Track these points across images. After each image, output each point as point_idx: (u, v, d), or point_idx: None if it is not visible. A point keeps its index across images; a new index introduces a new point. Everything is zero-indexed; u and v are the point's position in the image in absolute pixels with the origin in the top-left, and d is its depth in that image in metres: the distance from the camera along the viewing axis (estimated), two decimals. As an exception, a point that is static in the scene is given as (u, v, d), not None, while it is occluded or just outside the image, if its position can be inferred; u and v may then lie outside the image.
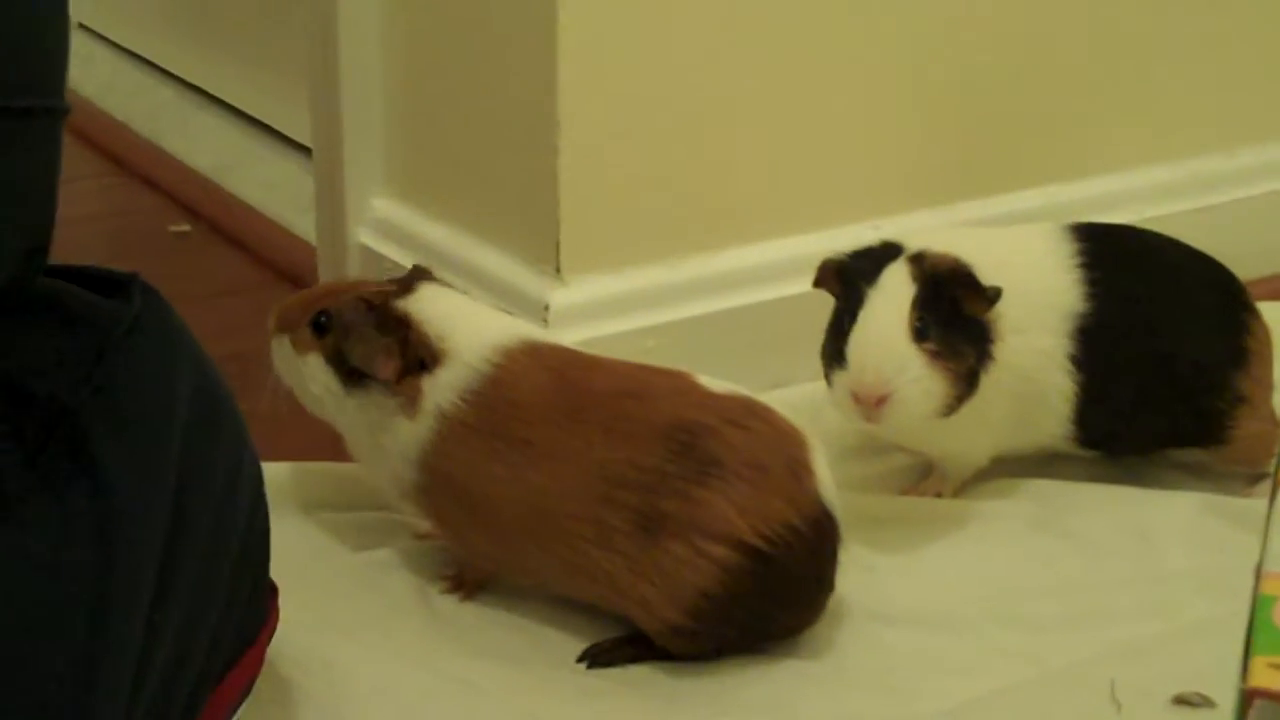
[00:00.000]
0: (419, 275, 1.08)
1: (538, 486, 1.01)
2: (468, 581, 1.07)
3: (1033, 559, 1.12)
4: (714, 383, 1.02)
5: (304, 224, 1.54)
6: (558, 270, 1.20)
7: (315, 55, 1.36)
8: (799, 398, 1.24)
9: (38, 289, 0.76)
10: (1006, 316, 1.08)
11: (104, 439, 0.72)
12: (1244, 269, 1.42)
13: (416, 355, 1.03)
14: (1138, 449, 1.20)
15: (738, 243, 1.28)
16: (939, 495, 1.17)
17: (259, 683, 0.88)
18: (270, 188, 1.71)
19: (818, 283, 1.10)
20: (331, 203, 1.39)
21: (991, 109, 1.38)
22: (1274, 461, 1.15)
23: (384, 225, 1.35)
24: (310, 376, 1.06)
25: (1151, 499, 1.19)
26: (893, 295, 1.05)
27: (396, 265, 1.31)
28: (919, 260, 1.06)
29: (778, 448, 0.99)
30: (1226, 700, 0.92)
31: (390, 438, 1.04)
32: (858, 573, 1.10)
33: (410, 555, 1.09)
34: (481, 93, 1.24)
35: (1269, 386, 1.19)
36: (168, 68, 2.08)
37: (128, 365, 0.76)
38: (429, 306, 1.05)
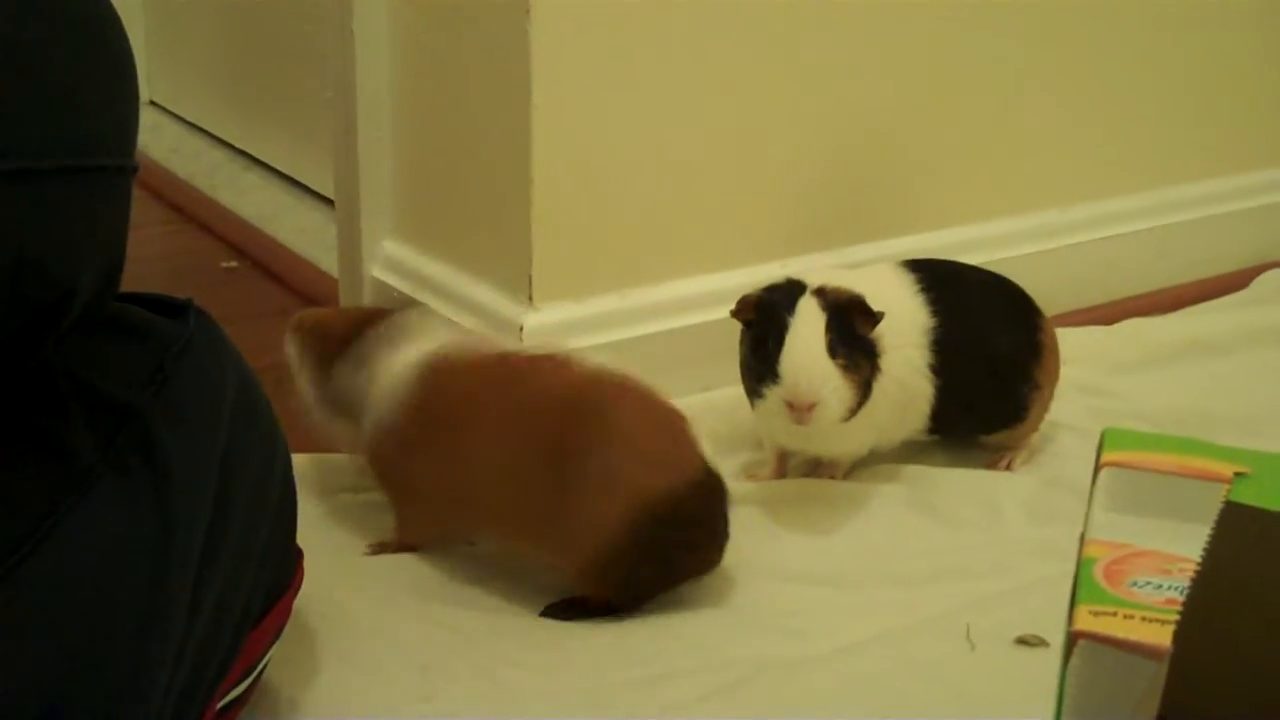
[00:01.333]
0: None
1: (458, 471, 1.01)
2: (389, 546, 1.08)
3: (906, 529, 1.13)
4: (596, 363, 1.01)
5: (329, 261, 1.53)
6: (530, 298, 1.20)
7: (339, 125, 1.36)
8: (721, 399, 1.24)
9: (111, 311, 0.76)
10: (884, 337, 1.09)
11: (164, 432, 0.72)
12: (1067, 302, 1.46)
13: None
14: (966, 434, 1.23)
15: (675, 277, 1.27)
16: (832, 477, 1.18)
17: (287, 629, 0.87)
18: (302, 232, 1.71)
19: (735, 313, 1.10)
20: (350, 244, 1.39)
21: (871, 171, 1.39)
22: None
23: (392, 262, 1.35)
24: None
25: (1000, 479, 1.19)
26: (810, 321, 1.05)
27: (401, 294, 1.31)
28: (823, 293, 1.07)
29: (656, 420, 0.98)
30: (1059, 641, 0.93)
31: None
32: (764, 539, 1.10)
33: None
34: (471, 157, 1.24)
35: (1055, 375, 1.23)
36: (222, 136, 2.08)
37: (183, 373, 0.75)
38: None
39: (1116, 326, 1.49)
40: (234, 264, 1.68)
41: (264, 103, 1.94)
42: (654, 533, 0.96)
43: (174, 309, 0.80)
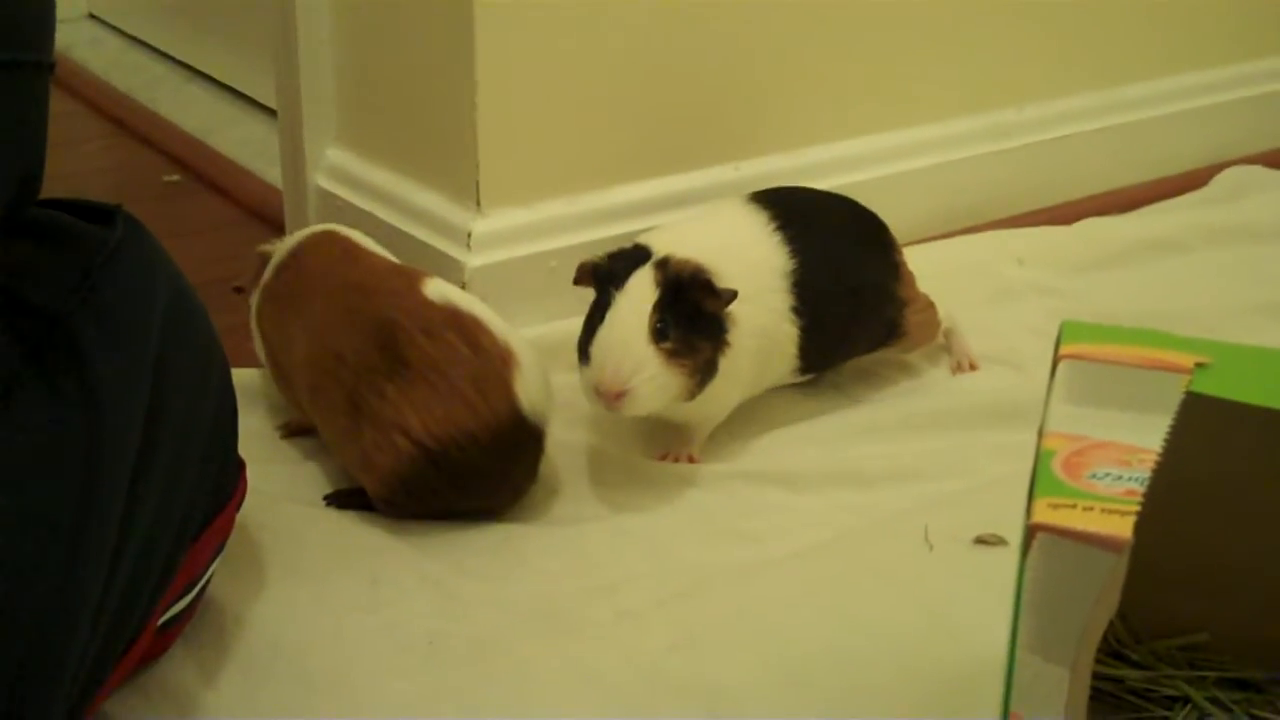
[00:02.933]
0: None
1: (300, 353, 1.00)
2: (291, 425, 1.08)
3: (861, 432, 1.11)
4: (444, 293, 0.97)
5: (274, 173, 1.50)
6: (478, 204, 1.17)
7: (278, 33, 1.32)
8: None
9: (34, 216, 0.73)
10: (742, 287, 1.00)
11: (92, 340, 0.69)
12: (1024, 202, 1.43)
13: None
14: (839, 364, 1.17)
15: (621, 182, 1.25)
16: (691, 460, 1.07)
17: (232, 543, 0.85)
18: (245, 144, 1.68)
19: (577, 281, 1.02)
20: (293, 154, 1.35)
21: (816, 69, 1.36)
22: (940, 336, 1.20)
23: (337, 171, 1.32)
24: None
25: (958, 381, 1.18)
26: (635, 299, 0.96)
27: (347, 204, 1.28)
28: (664, 266, 0.98)
29: (467, 360, 0.94)
30: (1018, 540, 0.92)
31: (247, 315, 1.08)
32: (721, 441, 1.08)
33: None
34: (414, 61, 1.20)
35: (914, 284, 1.18)
36: (162, 48, 2.03)
37: (112, 279, 0.72)
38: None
39: (1074, 227, 1.48)
40: (177, 178, 1.64)
41: (204, 14, 1.89)
42: (432, 475, 0.93)
43: (102, 215, 0.76)
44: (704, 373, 0.99)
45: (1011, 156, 1.49)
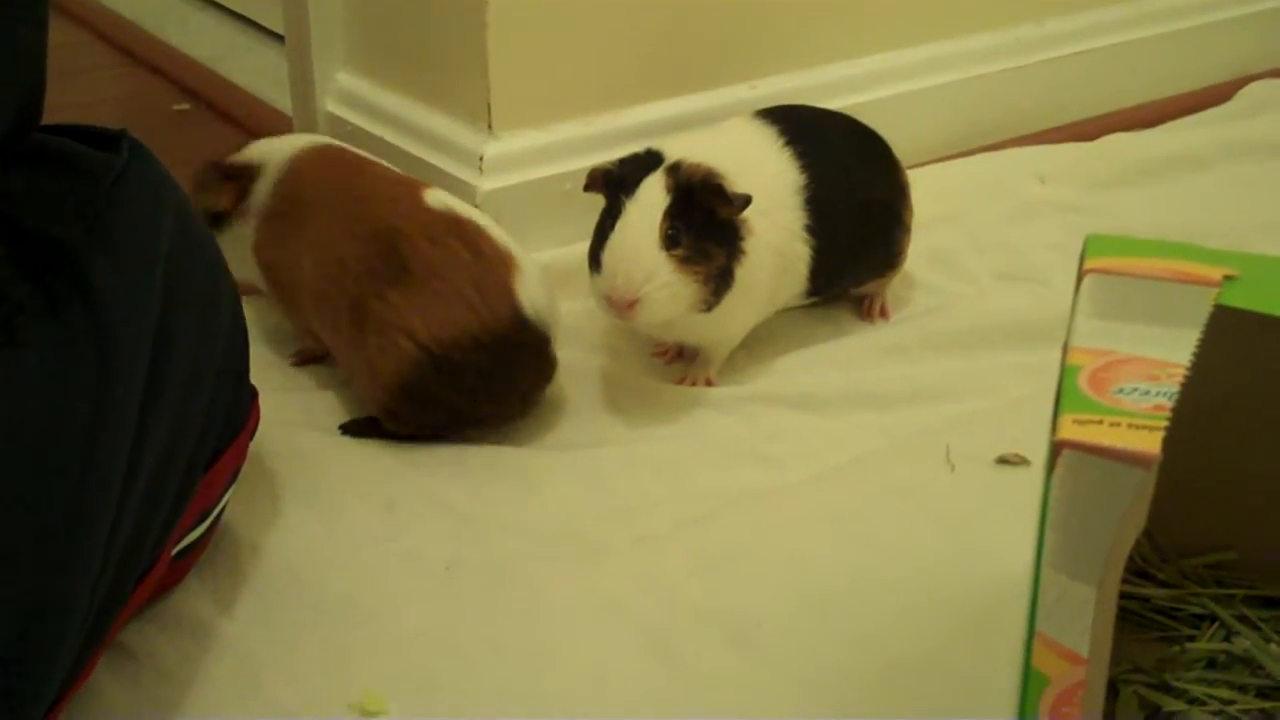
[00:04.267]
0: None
1: (306, 269, 0.98)
2: (304, 353, 1.06)
3: (882, 353, 1.10)
4: (444, 201, 0.97)
5: (283, 100, 1.47)
6: (490, 127, 1.15)
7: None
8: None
9: (37, 142, 0.71)
10: (755, 202, 0.97)
11: (97, 267, 0.68)
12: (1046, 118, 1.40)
13: (245, 184, 1.03)
14: (841, 289, 1.13)
15: (637, 102, 1.22)
16: (709, 383, 1.05)
17: (247, 472, 0.84)
18: (254, 71, 1.65)
19: (588, 187, 1.00)
20: (303, 80, 1.33)
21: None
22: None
23: (347, 96, 1.29)
24: None
25: (976, 302, 1.16)
26: (647, 206, 0.94)
27: (358, 129, 1.26)
28: (675, 171, 0.96)
29: (468, 265, 0.93)
30: (1041, 460, 0.91)
31: (241, 247, 1.03)
32: (740, 362, 1.07)
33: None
34: (422, -19, 1.18)
35: (913, 212, 1.14)
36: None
37: (117, 205, 0.71)
38: (254, 146, 1.06)
39: (1097, 143, 1.45)
40: (186, 106, 1.62)
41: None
42: (434, 379, 0.92)
43: (107, 140, 0.75)
44: (719, 281, 0.96)
45: (1032, 72, 1.45)
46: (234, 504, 0.84)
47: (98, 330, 0.66)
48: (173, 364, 0.71)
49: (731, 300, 0.99)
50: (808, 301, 1.10)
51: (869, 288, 1.14)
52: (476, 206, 1.11)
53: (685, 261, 0.94)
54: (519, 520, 0.88)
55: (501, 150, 1.14)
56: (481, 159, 1.13)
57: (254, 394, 0.84)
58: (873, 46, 1.36)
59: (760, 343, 1.09)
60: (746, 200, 0.96)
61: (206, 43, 1.76)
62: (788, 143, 1.06)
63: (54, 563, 0.61)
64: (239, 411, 0.81)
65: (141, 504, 0.69)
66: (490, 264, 0.94)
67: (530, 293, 0.94)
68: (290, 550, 0.84)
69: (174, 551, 0.76)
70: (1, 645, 0.59)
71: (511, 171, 1.14)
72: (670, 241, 0.94)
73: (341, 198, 0.99)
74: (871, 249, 1.11)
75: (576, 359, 1.05)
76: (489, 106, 1.14)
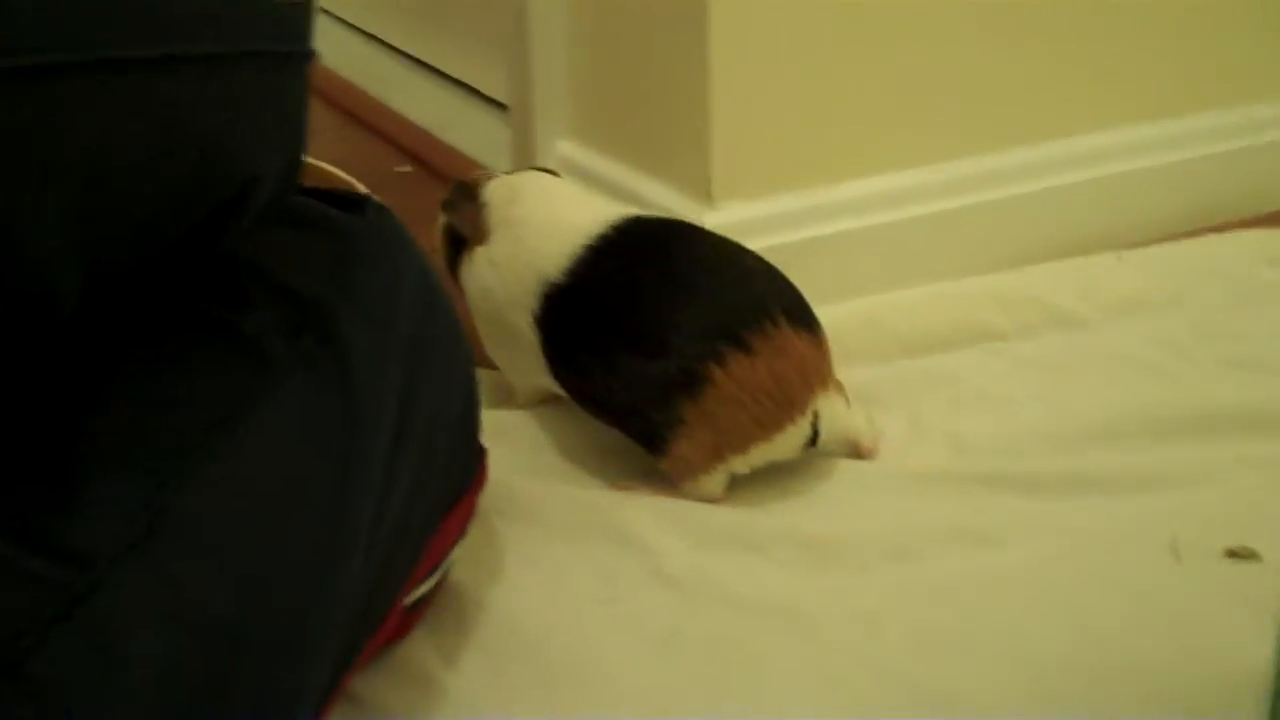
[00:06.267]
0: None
1: None
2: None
3: (1107, 439, 1.07)
4: None
5: (502, 164, 1.52)
6: (709, 197, 1.17)
7: (512, 30, 1.34)
8: (906, 299, 1.20)
9: (292, 204, 0.75)
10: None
11: (347, 325, 0.71)
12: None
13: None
14: None
15: (853, 177, 1.23)
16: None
17: (471, 528, 0.86)
18: (474, 136, 1.70)
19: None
20: (524, 146, 1.37)
21: (1060, 66, 1.32)
22: None
23: (567, 163, 1.33)
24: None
25: (1202, 395, 1.13)
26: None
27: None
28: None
29: None
30: (1271, 553, 0.88)
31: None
32: (943, 429, 1.06)
33: (588, 429, 1.06)
34: (647, 53, 1.21)
35: None
36: (393, 42, 2.07)
37: (364, 265, 0.74)
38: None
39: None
40: (407, 168, 1.68)
41: (433, 9, 1.93)
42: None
43: (352, 203, 0.78)
44: None
45: (1260, 153, 1.42)
46: (459, 559, 0.86)
47: (347, 385, 0.69)
48: (415, 420, 0.73)
49: None
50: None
51: None
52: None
53: None
54: (738, 590, 0.88)
55: (721, 221, 1.16)
56: (701, 228, 1.15)
57: (483, 451, 0.86)
58: (1094, 123, 1.35)
59: (978, 420, 1.07)
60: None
61: (428, 108, 1.82)
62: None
63: (304, 610, 0.63)
64: (470, 467, 0.83)
65: (382, 555, 0.71)
66: None
67: None
68: (513, 608, 0.85)
69: (406, 603, 0.78)
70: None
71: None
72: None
73: None
74: None
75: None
76: (709, 177, 1.16)
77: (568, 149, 1.33)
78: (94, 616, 0.58)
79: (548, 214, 1.01)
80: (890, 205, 1.21)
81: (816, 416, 0.95)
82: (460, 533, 0.83)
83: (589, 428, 1.03)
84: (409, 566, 0.75)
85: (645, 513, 0.95)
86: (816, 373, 0.95)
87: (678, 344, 0.91)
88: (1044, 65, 1.29)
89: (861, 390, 1.10)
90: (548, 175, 1.09)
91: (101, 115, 0.57)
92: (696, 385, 0.91)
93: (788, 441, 0.95)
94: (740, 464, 0.95)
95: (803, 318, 0.95)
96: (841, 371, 0.99)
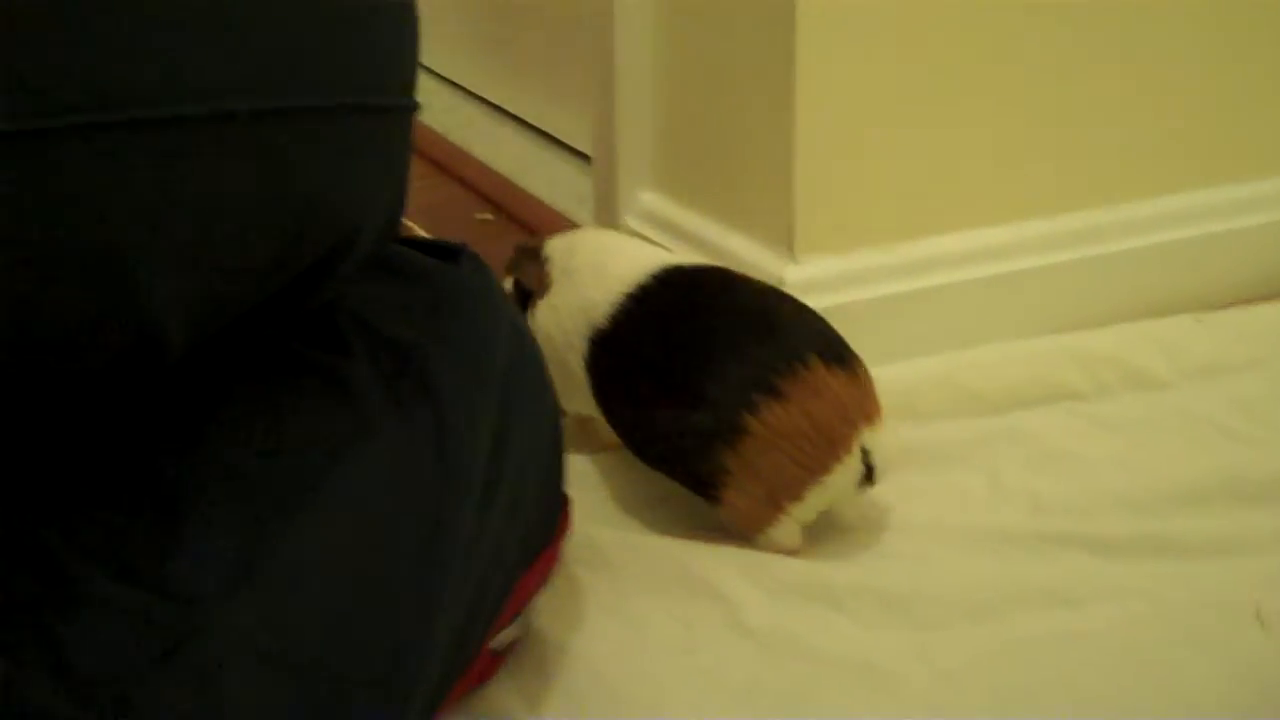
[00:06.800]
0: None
1: None
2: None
3: (1186, 504, 1.06)
4: None
5: (582, 213, 1.54)
6: (791, 250, 1.17)
7: (597, 82, 1.36)
8: (983, 356, 1.21)
9: (390, 253, 0.76)
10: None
11: (442, 374, 0.72)
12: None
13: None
14: None
15: (934, 234, 1.23)
16: None
17: (553, 576, 0.87)
18: (554, 185, 1.72)
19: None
20: (607, 197, 1.38)
21: (1152, 121, 1.32)
22: None
23: (649, 214, 1.34)
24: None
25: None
26: None
27: (659, 246, 1.30)
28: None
29: None
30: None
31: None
32: (1037, 501, 1.06)
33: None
34: (733, 107, 1.22)
35: None
36: (475, 90, 2.10)
37: (460, 315, 0.75)
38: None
39: None
40: (489, 216, 1.70)
41: (516, 58, 1.96)
42: None
43: (449, 253, 0.80)
44: None
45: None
46: (541, 607, 0.86)
47: (441, 432, 0.70)
48: (505, 469, 0.74)
49: None
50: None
51: None
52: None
53: None
54: (817, 644, 0.88)
55: (802, 275, 1.16)
56: (782, 282, 1.16)
57: (567, 501, 0.87)
58: (1174, 185, 1.34)
59: (1055, 479, 1.07)
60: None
61: (510, 156, 1.84)
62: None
63: (398, 656, 0.65)
64: (555, 516, 0.84)
65: (469, 602, 0.72)
66: None
67: None
68: (594, 654, 0.86)
69: (490, 649, 0.79)
70: None
71: (811, 296, 1.15)
72: None
73: None
74: None
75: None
76: (792, 231, 1.16)
77: (650, 200, 1.34)
78: (195, 655, 0.59)
79: (598, 263, 1.05)
80: (969, 262, 1.21)
81: (867, 454, 0.95)
82: (544, 580, 0.84)
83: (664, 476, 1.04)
84: (496, 611, 0.76)
85: (725, 565, 0.95)
86: (859, 409, 0.95)
87: (713, 395, 0.93)
88: (1125, 127, 1.29)
89: (939, 447, 1.10)
90: (605, 231, 1.14)
91: (213, 166, 0.59)
92: (734, 435, 0.93)
93: (840, 481, 0.95)
94: (800, 510, 0.95)
95: (838, 357, 0.95)
96: (919, 428, 0.99)
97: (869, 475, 0.96)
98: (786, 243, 1.17)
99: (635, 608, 0.91)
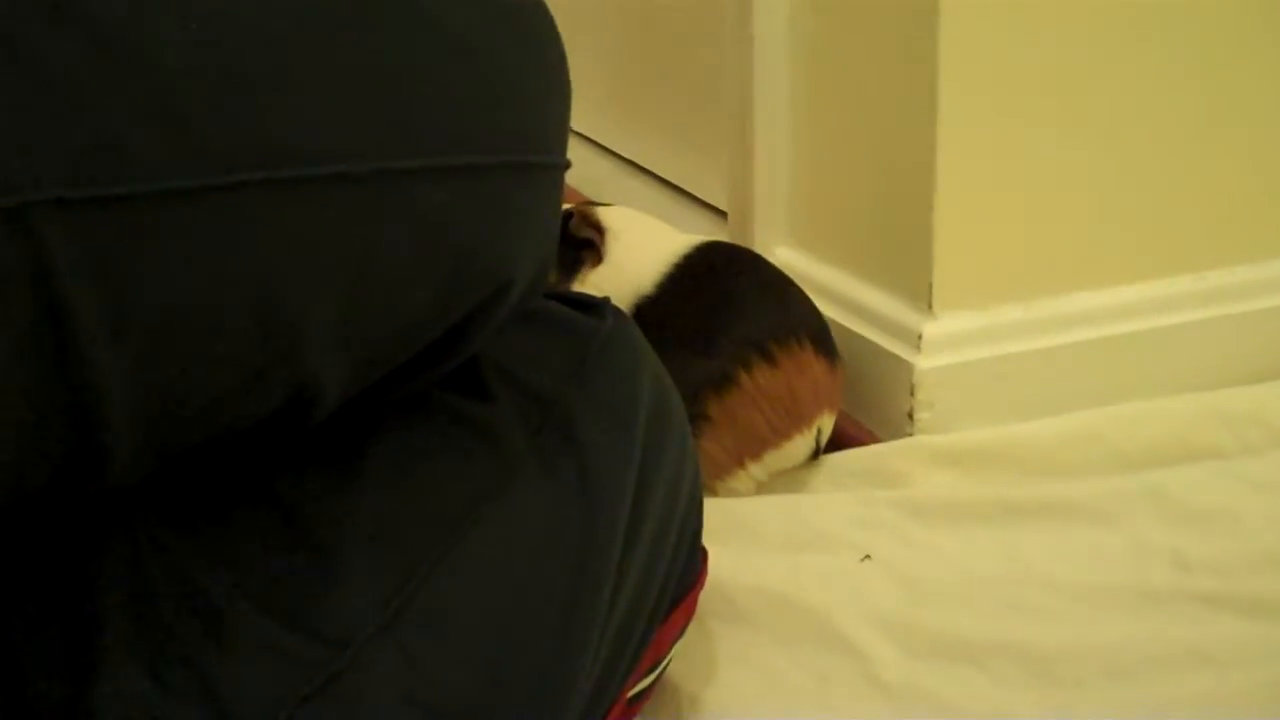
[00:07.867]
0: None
1: None
2: None
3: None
4: None
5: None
6: (930, 306, 1.17)
7: (734, 138, 1.37)
8: (1127, 413, 1.19)
9: (538, 306, 0.78)
10: None
11: (586, 425, 0.73)
12: None
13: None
14: None
15: (1073, 290, 1.22)
16: None
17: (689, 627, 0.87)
18: (689, 239, 1.73)
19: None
20: (742, 250, 1.39)
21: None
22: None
23: (785, 268, 1.34)
24: None
25: None
26: None
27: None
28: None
29: None
30: None
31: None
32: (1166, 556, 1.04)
33: (796, 524, 1.06)
34: (871, 164, 1.22)
35: None
36: (608, 145, 2.12)
37: (603, 367, 0.77)
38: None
39: None
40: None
41: (649, 113, 1.98)
42: None
43: (592, 307, 0.81)
44: None
45: None
46: (674, 656, 0.87)
47: (585, 486, 0.71)
48: (647, 520, 0.75)
49: None
50: None
51: None
52: (913, 385, 1.14)
53: None
54: (952, 702, 0.87)
55: (940, 330, 1.16)
56: (920, 337, 1.16)
57: (704, 553, 0.88)
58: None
59: (1197, 541, 1.05)
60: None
61: (641, 210, 1.85)
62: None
63: (537, 710, 0.65)
64: (693, 567, 0.85)
65: (609, 650, 0.72)
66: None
67: None
68: (727, 705, 0.86)
69: (627, 697, 0.80)
70: None
71: (949, 351, 1.16)
72: None
73: None
74: None
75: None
76: (931, 286, 1.16)
77: (786, 254, 1.35)
78: (344, 695, 0.61)
79: (650, 236, 1.25)
80: (1110, 319, 1.20)
81: (820, 433, 1.10)
82: (681, 630, 0.84)
83: (797, 524, 1.05)
84: (633, 661, 0.77)
85: (860, 619, 0.95)
86: (829, 396, 1.10)
87: (721, 345, 1.07)
88: (1270, 180, 1.27)
89: (1081, 504, 1.08)
90: (640, 213, 1.29)
91: (372, 221, 0.61)
92: (724, 384, 1.06)
93: (794, 451, 1.10)
94: (757, 469, 1.09)
95: (827, 347, 1.12)
96: (1059, 485, 0.98)
97: (815, 453, 1.11)
98: (925, 298, 1.17)
99: (768, 659, 0.91)
